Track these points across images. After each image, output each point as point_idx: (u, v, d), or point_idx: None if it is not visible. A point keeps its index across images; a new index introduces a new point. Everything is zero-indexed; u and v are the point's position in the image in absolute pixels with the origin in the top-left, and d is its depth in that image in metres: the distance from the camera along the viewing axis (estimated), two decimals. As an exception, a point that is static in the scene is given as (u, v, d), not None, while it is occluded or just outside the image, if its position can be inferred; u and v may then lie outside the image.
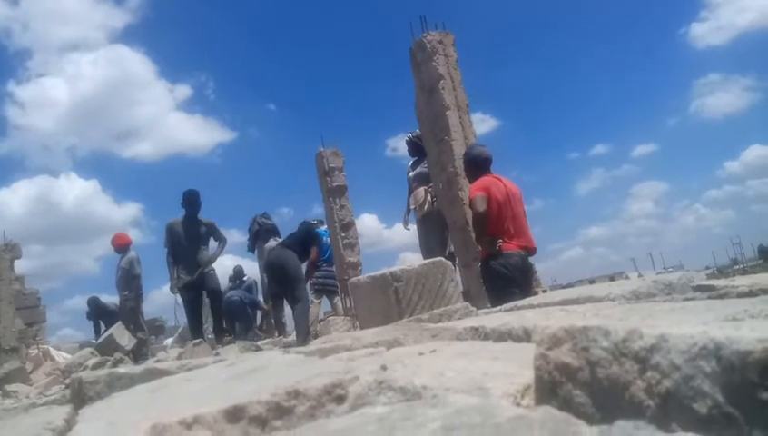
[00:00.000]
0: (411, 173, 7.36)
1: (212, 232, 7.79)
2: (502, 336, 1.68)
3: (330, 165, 10.55)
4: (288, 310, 7.86)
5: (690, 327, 0.68)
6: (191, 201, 7.60)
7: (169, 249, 7.48)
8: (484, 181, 4.83)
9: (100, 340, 8.67)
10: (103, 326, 10.72)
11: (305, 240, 6.98)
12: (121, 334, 8.38)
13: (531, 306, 2.51)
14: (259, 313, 10.57)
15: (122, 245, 9.99)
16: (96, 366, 6.15)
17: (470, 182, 5.33)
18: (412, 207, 7.25)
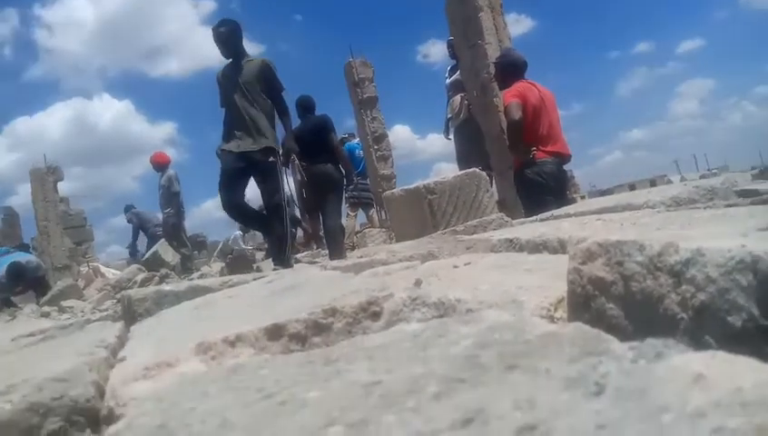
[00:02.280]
0: (448, 81, 7.14)
1: (267, 79, 4.89)
2: (537, 247, 1.69)
3: (360, 76, 10.37)
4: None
5: (728, 239, 0.67)
6: (220, 36, 4.88)
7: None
8: (518, 87, 4.69)
9: (146, 256, 9.02)
10: (143, 240, 11.09)
11: (318, 133, 5.94)
12: (165, 251, 8.72)
13: (567, 215, 2.49)
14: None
15: (160, 163, 10.14)
16: (144, 282, 6.46)
17: (501, 88, 5.19)
18: (449, 116, 7.06)
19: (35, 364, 1.00)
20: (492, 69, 5.52)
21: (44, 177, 14.33)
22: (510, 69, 4.93)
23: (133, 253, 11.60)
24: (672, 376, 0.39)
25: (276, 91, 4.95)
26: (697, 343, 0.62)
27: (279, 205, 4.99)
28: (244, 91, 4.81)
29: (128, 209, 11.57)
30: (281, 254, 4.94)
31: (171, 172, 10.06)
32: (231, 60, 4.98)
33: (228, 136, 4.89)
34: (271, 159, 4.85)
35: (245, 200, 5.09)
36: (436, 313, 0.89)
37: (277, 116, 5.01)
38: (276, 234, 5.06)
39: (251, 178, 4.99)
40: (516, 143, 4.66)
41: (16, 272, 8.13)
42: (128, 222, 11.51)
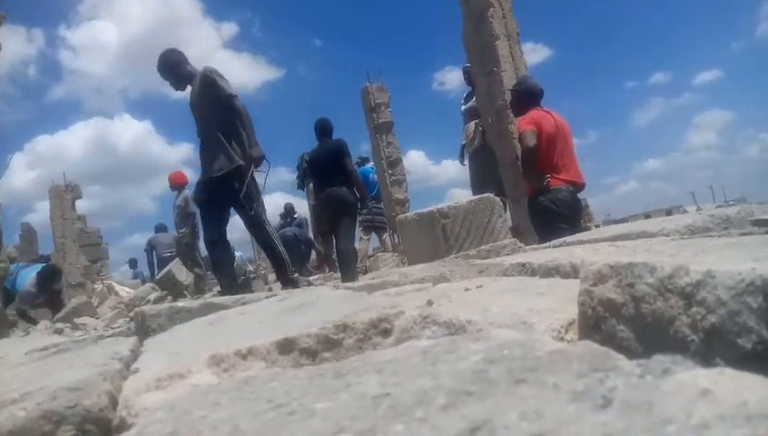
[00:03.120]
0: (463, 108, 7.20)
1: (209, 90, 4.44)
2: (549, 272, 1.68)
3: (377, 101, 10.49)
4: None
5: (739, 263, 0.67)
6: (161, 75, 4.73)
7: None
8: (533, 114, 4.72)
9: (159, 275, 9.07)
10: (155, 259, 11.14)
11: (333, 156, 6.00)
12: (179, 270, 8.76)
13: (580, 242, 2.48)
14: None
15: (178, 182, 10.22)
16: (157, 300, 6.49)
17: (516, 115, 5.22)
18: (463, 142, 7.10)
19: (50, 374, 1.01)
20: (508, 96, 5.56)
21: (63, 195, 14.55)
22: (526, 96, 4.96)
23: (136, 274, 11.61)
24: (678, 390, 0.40)
25: (223, 98, 4.39)
26: (707, 365, 0.62)
27: (260, 228, 4.60)
28: (199, 114, 4.49)
29: (158, 229, 11.71)
30: (284, 275, 4.71)
31: (186, 192, 10.13)
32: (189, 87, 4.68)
33: (201, 166, 4.61)
34: (237, 185, 4.33)
35: (223, 232, 4.66)
36: (446, 332, 0.89)
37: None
38: (273, 262, 4.73)
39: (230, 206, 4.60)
40: (530, 170, 4.67)
41: (53, 272, 8.15)
42: (144, 250, 11.63)
